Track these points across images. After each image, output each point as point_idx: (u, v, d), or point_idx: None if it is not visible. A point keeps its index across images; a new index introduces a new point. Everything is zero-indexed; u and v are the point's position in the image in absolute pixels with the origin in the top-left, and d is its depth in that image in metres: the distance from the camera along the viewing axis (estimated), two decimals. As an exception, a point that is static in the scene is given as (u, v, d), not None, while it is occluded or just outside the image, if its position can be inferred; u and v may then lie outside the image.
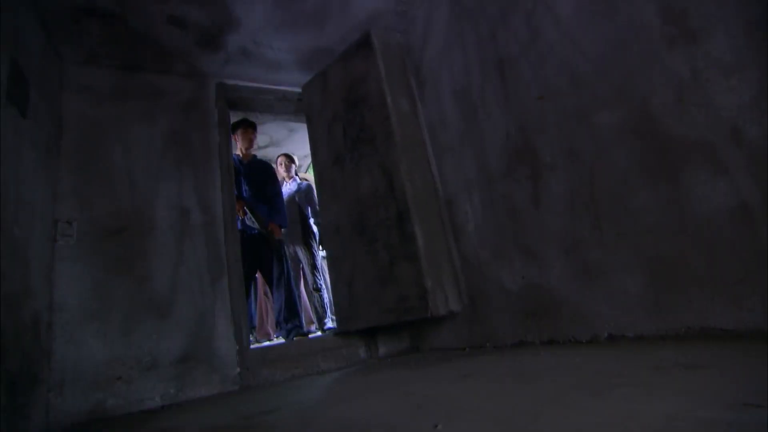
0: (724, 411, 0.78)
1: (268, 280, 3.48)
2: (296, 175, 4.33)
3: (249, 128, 3.50)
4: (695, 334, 1.46)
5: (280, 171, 4.19)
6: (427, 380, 1.66)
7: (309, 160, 3.83)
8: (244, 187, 3.38)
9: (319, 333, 3.75)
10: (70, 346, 2.12)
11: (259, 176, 3.50)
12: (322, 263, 4.09)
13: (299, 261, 3.98)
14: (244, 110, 3.40)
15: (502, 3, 2.21)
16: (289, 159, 4.31)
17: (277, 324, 3.42)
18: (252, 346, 2.73)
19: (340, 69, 2.90)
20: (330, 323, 3.80)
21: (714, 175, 1.43)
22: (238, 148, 3.48)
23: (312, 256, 3.97)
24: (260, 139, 4.58)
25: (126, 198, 2.48)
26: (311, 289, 3.94)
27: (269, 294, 3.96)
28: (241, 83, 3.11)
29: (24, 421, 1.69)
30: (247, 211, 3.26)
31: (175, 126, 2.77)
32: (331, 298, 3.48)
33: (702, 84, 1.45)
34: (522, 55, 2.11)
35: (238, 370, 2.41)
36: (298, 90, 3.24)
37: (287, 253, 3.60)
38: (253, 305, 4.26)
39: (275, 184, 3.58)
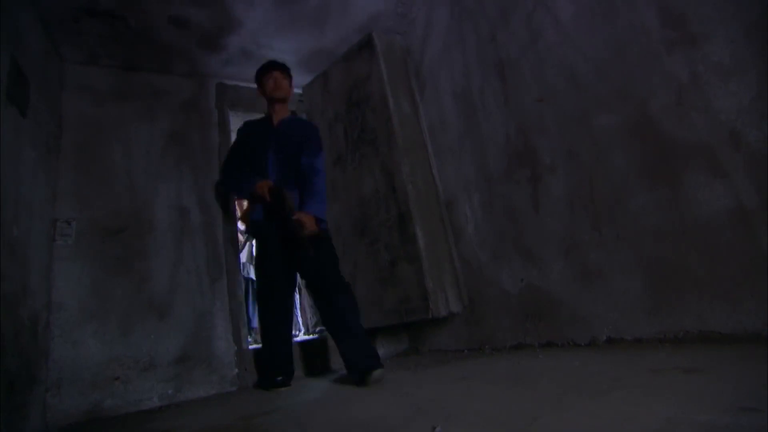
0: (723, 415, 0.78)
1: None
2: None
3: (276, 71, 2.32)
4: (694, 337, 1.46)
5: None
6: (426, 382, 1.66)
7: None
8: (271, 161, 2.23)
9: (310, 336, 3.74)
10: (68, 345, 2.12)
11: (294, 142, 2.24)
12: None
13: None
14: (245, 110, 3.40)
15: (502, 4, 2.22)
16: None
17: None
18: (251, 347, 2.72)
19: (342, 70, 2.90)
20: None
21: (713, 178, 1.43)
22: (266, 107, 2.40)
23: None
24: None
25: (125, 198, 2.48)
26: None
27: None
28: (241, 84, 3.11)
29: (22, 421, 1.68)
30: (273, 194, 2.08)
31: (175, 126, 2.77)
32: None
33: (701, 87, 1.46)
34: (522, 57, 2.12)
35: (237, 370, 2.41)
36: (299, 91, 3.24)
37: None
38: (250, 307, 4.25)
39: (315, 153, 2.23)
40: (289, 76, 2.37)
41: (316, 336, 3.62)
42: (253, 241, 4.33)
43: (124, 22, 2.41)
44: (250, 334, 3.90)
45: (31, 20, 2.10)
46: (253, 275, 4.36)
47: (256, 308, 4.33)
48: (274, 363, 2.13)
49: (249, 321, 4.04)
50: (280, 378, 2.09)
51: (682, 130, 1.50)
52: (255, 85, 3.16)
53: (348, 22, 2.81)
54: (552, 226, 1.97)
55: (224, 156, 2.87)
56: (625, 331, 1.69)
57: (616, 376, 1.22)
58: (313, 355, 2.58)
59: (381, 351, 2.79)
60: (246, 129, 2.38)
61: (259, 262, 2.24)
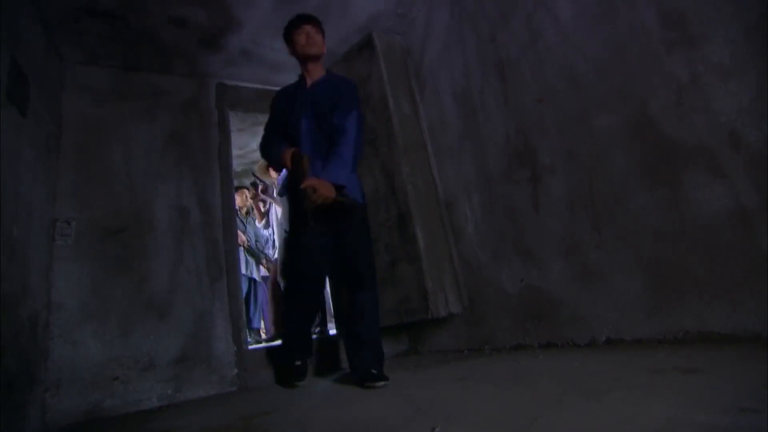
0: (722, 415, 0.78)
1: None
2: None
3: (307, 24, 2.03)
4: (693, 337, 1.46)
5: None
6: (426, 382, 1.66)
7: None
8: (304, 128, 1.93)
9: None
10: (67, 345, 2.12)
11: (328, 104, 1.93)
12: None
13: None
14: (245, 110, 3.40)
15: (502, 5, 2.22)
16: None
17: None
18: (251, 347, 2.72)
19: (342, 70, 2.90)
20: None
21: (713, 178, 1.43)
22: (303, 68, 2.08)
23: None
24: (260, 140, 4.44)
25: (125, 198, 2.48)
26: None
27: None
28: (241, 84, 3.11)
29: (21, 421, 1.68)
30: (293, 161, 1.85)
31: (175, 126, 2.77)
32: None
33: (701, 87, 1.46)
34: (522, 57, 2.12)
35: (236, 371, 2.41)
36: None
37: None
38: (251, 307, 4.24)
39: (347, 112, 1.89)
40: (322, 31, 2.08)
41: (315, 336, 3.61)
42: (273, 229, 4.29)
43: (124, 22, 2.41)
44: (250, 335, 3.90)
45: (31, 20, 2.10)
46: (255, 275, 4.36)
47: (257, 309, 4.35)
48: (291, 348, 2.00)
49: (249, 321, 4.03)
50: (298, 363, 1.93)
51: (682, 130, 1.50)
52: (255, 85, 3.18)
53: (348, 22, 2.81)
54: (552, 227, 1.97)
55: (224, 156, 2.88)
56: (624, 331, 1.69)
57: (616, 376, 1.22)
58: (318, 354, 2.57)
59: (381, 351, 2.79)
60: (279, 96, 2.14)
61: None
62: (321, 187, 1.68)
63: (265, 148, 2.11)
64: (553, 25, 1.96)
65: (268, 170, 3.72)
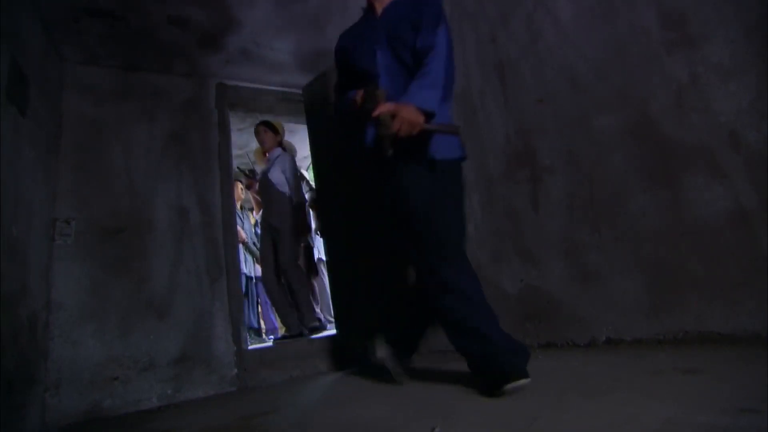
0: (722, 416, 0.78)
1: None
2: (281, 146, 3.57)
3: None
4: (693, 338, 1.46)
5: (267, 140, 3.49)
6: (426, 382, 1.66)
7: (309, 160, 3.82)
8: (380, 62, 1.56)
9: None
10: (67, 345, 2.12)
11: (406, 27, 1.55)
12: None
13: None
14: (245, 111, 3.40)
15: (502, 5, 2.22)
16: (269, 126, 3.50)
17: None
18: (250, 347, 2.72)
19: (341, 70, 2.90)
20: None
21: (712, 179, 1.43)
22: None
23: None
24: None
25: (125, 198, 2.48)
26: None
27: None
28: (241, 84, 3.11)
29: (20, 421, 1.68)
30: (366, 97, 1.46)
31: (175, 126, 2.77)
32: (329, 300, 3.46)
33: (701, 88, 1.46)
34: (522, 58, 2.12)
35: (236, 371, 2.41)
36: (299, 91, 3.24)
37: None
38: (250, 307, 4.22)
39: (432, 29, 1.49)
40: None
41: (314, 336, 3.60)
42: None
43: (124, 22, 2.41)
44: (250, 335, 3.89)
45: (31, 20, 2.09)
46: (252, 273, 4.35)
47: (257, 308, 4.33)
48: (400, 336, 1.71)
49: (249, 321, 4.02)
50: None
51: (682, 131, 1.51)
52: (255, 85, 3.17)
53: (348, 22, 2.78)
54: (551, 227, 1.97)
55: (224, 156, 2.88)
56: (624, 331, 1.69)
57: (616, 376, 1.22)
58: (320, 353, 2.58)
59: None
60: (343, 39, 1.79)
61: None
62: (402, 111, 1.25)
63: (337, 106, 1.77)
64: (553, 25, 1.96)
65: (264, 156, 3.67)
